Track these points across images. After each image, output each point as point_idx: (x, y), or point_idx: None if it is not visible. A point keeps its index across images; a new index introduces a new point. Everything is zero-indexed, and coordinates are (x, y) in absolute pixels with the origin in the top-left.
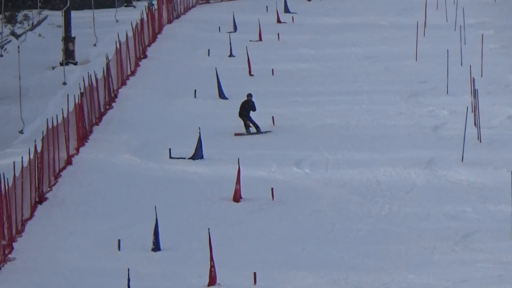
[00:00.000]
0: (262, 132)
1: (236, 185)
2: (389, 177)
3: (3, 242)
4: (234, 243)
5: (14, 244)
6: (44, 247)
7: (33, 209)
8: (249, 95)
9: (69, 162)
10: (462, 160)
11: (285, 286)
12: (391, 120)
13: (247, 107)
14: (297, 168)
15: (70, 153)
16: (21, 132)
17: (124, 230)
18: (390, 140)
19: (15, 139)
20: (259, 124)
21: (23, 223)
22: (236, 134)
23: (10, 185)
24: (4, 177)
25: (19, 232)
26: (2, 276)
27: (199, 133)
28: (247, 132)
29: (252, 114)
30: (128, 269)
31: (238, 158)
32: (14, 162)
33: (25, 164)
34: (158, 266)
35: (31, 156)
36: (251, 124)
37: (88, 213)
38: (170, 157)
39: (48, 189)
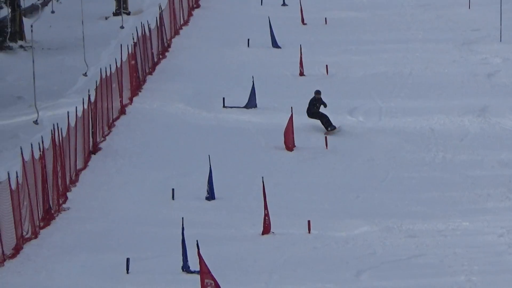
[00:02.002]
0: (336, 128)
1: (289, 134)
2: (442, 125)
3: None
4: (288, 192)
5: (68, 194)
6: (98, 197)
7: (87, 159)
8: (318, 92)
9: (122, 112)
10: None
11: (339, 234)
12: (444, 68)
13: (318, 105)
14: (351, 117)
15: (124, 103)
16: (85, 74)
17: (178, 179)
18: (443, 88)
19: (69, 89)
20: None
21: (77, 173)
22: (327, 133)
23: (64, 135)
24: (58, 128)
25: (73, 182)
26: (57, 226)
27: (253, 82)
28: (332, 127)
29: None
30: (182, 218)
31: (292, 107)
32: (68, 112)
33: (79, 114)
34: (212, 215)
35: (85, 106)
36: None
37: (142, 162)
38: (224, 106)
39: (102, 139)
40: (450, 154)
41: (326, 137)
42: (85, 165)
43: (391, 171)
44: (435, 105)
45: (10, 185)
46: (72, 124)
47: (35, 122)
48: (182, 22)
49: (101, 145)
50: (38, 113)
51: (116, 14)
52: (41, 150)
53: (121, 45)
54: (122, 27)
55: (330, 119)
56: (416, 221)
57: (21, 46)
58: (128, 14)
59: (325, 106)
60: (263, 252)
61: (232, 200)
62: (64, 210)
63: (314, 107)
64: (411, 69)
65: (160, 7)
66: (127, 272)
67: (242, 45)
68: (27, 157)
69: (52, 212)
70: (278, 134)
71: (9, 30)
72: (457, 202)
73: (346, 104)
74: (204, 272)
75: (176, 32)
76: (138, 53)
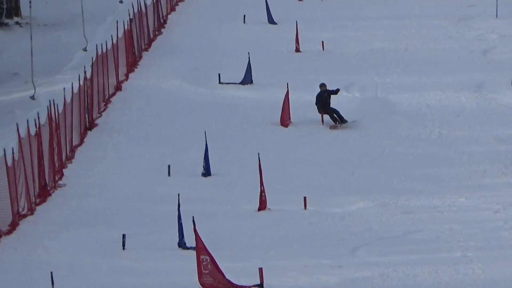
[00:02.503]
0: (348, 121)
1: (285, 110)
2: (438, 101)
3: None
4: (284, 168)
5: (64, 171)
6: (94, 173)
7: (83, 136)
8: (323, 85)
9: (118, 88)
10: None
11: (336, 210)
12: (441, 44)
13: (325, 98)
14: (347, 93)
15: (120, 79)
16: (85, 49)
17: (174, 155)
18: (439, 64)
19: (65, 66)
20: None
21: (73, 149)
22: (333, 127)
23: (60, 111)
24: (54, 104)
25: (70, 158)
26: (53, 202)
27: (248, 58)
28: (341, 122)
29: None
30: (178, 194)
31: (287, 83)
32: (64, 89)
33: (75, 90)
34: (208, 192)
35: (81, 83)
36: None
37: (138, 139)
38: (220, 82)
39: (98, 115)
40: (446, 130)
41: (322, 113)
42: (81, 142)
43: (387, 147)
44: (431, 81)
45: (6, 162)
46: (68, 100)
47: (32, 97)
48: None
49: (97, 121)
50: (35, 88)
51: None
52: (37, 126)
53: (117, 21)
54: (121, 1)
55: (341, 114)
56: (412, 197)
57: (17, 23)
58: None
59: (335, 93)
60: (259, 228)
61: (228, 176)
62: (60, 187)
63: (321, 101)
64: (407, 45)
65: None
66: (123, 248)
67: (238, 21)
68: (23, 133)
69: (48, 188)
70: (274, 110)
71: (4, 6)
72: (453, 178)
73: (342, 80)
74: (200, 248)
75: (172, 8)
76: (134, 29)
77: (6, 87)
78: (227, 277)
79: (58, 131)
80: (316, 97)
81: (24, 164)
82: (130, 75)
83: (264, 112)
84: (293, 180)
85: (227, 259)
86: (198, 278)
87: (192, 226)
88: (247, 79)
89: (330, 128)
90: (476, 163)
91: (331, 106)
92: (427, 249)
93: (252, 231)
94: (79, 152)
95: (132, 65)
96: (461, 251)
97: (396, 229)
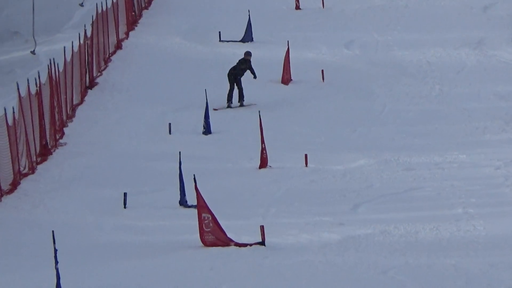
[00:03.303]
0: (245, 105)
1: (286, 68)
2: (439, 57)
3: None
4: (285, 126)
5: (65, 129)
6: (95, 131)
7: (83, 94)
8: (248, 54)
9: (119, 46)
10: None
11: (336, 167)
12: (440, 0)
13: (240, 70)
14: (347, 50)
15: (120, 38)
16: (81, 5)
17: (174, 113)
18: (439, 21)
19: (65, 24)
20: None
21: (74, 108)
22: (215, 109)
23: (60, 70)
24: (54, 63)
25: (70, 117)
26: (54, 161)
27: (249, 15)
28: (228, 104)
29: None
30: (179, 152)
31: (288, 41)
32: (64, 47)
33: (76, 49)
34: (209, 150)
35: (81, 41)
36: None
37: (139, 97)
38: (220, 40)
39: (98, 74)
40: (446, 87)
41: (322, 71)
42: (82, 100)
43: (388, 104)
44: (431, 38)
45: (6, 121)
46: (69, 59)
47: (32, 52)
48: None
49: (98, 80)
50: (35, 43)
51: None
52: (38, 85)
53: None
54: None
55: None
56: (413, 154)
57: None
58: None
59: (252, 73)
60: (260, 186)
61: (229, 134)
62: (61, 145)
63: (234, 71)
64: (407, 1)
65: None
66: (125, 207)
67: None
68: (23, 92)
69: (49, 147)
70: (275, 67)
71: None
72: (454, 135)
73: (342, 38)
74: (201, 206)
75: None
76: None
77: (6, 46)
78: (228, 235)
79: (59, 89)
80: (234, 66)
81: (24, 123)
82: (131, 33)
83: (264, 69)
84: (294, 138)
85: (228, 217)
86: (200, 236)
87: (193, 184)
88: (248, 37)
89: (213, 109)
90: (477, 119)
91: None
92: (428, 206)
93: (253, 189)
94: (79, 110)
95: (132, 24)
96: (462, 208)
97: (397, 186)
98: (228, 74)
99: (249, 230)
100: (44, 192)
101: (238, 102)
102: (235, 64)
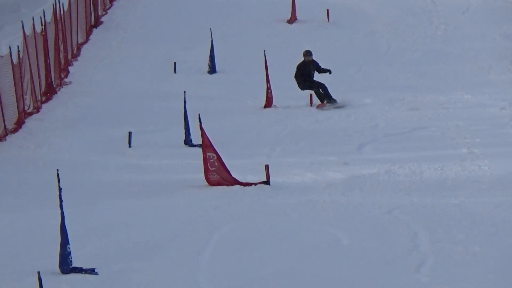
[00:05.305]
0: (337, 102)
1: (291, 7)
2: None
3: None
4: (290, 65)
5: (70, 68)
6: (100, 70)
7: (88, 33)
8: (308, 54)
9: None
10: None
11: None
12: None
13: (308, 71)
14: None
15: None
16: None
17: (179, 52)
18: None
19: None
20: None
21: (79, 47)
22: (320, 106)
23: (65, 9)
24: (59, 1)
25: (75, 56)
26: (59, 100)
27: None
28: (329, 101)
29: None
30: (184, 91)
31: None
32: None
33: None
34: (214, 89)
35: None
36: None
37: (144, 36)
38: None
39: (103, 12)
40: (451, 27)
41: (328, 10)
42: (87, 39)
43: (393, 44)
44: None
45: (11, 59)
46: None
47: None
48: None
49: (103, 18)
50: None
51: None
52: (43, 24)
53: None
54: None
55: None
56: (418, 94)
57: None
58: None
59: (324, 71)
60: (265, 125)
61: (234, 74)
62: (65, 84)
63: (304, 73)
64: None
65: None
66: (129, 146)
67: None
68: (28, 31)
69: (54, 86)
70: (280, 7)
71: None
72: (459, 74)
73: None
74: (206, 145)
75: None
76: None
77: None
78: (233, 174)
79: (64, 28)
80: (297, 68)
81: (29, 62)
82: None
83: (270, 9)
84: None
85: (233, 156)
86: (205, 175)
87: (198, 123)
88: None
89: (317, 108)
90: (482, 59)
91: (316, 80)
92: (433, 145)
93: (258, 128)
94: (84, 49)
95: None
96: (467, 148)
97: (402, 126)
98: (299, 84)
99: (253, 170)
100: (48, 131)
101: (326, 101)
102: (296, 70)
